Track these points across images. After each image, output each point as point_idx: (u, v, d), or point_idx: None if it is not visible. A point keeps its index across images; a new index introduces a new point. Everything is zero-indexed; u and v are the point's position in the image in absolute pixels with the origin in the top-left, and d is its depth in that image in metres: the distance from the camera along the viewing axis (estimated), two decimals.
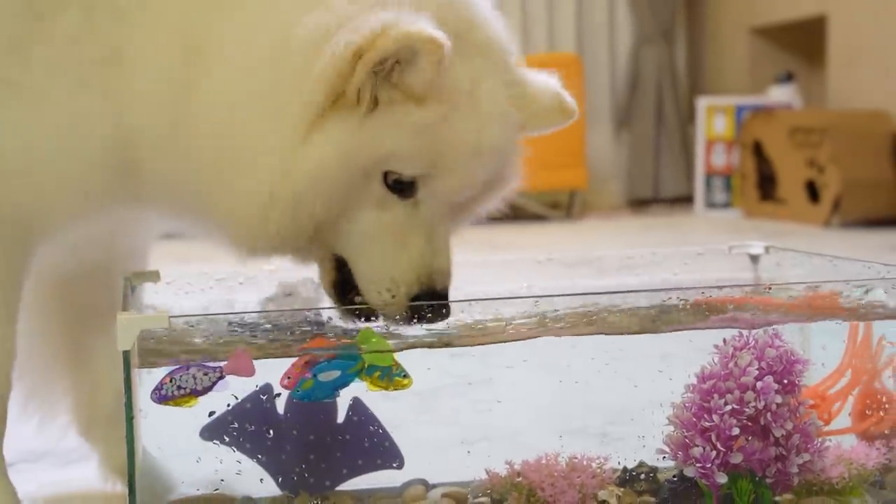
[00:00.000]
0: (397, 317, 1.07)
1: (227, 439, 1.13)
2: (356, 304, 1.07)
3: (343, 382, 1.06)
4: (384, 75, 1.00)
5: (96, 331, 1.29)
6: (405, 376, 1.04)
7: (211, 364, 1.00)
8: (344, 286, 1.10)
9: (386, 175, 1.04)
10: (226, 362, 1.01)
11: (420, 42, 0.97)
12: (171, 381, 1.00)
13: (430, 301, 1.04)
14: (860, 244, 4.07)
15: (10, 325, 1.10)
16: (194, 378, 1.00)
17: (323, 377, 1.05)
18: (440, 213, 1.07)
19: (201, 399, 1.02)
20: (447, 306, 1.05)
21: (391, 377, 1.04)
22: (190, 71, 1.02)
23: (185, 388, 1.00)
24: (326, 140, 0.99)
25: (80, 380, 1.33)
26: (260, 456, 1.16)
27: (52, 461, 1.42)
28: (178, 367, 1.00)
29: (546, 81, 1.17)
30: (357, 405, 1.15)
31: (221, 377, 1.00)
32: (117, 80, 1.03)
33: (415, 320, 1.06)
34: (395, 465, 1.19)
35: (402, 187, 1.04)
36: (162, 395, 1.00)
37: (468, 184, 1.07)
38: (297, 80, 0.99)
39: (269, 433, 1.15)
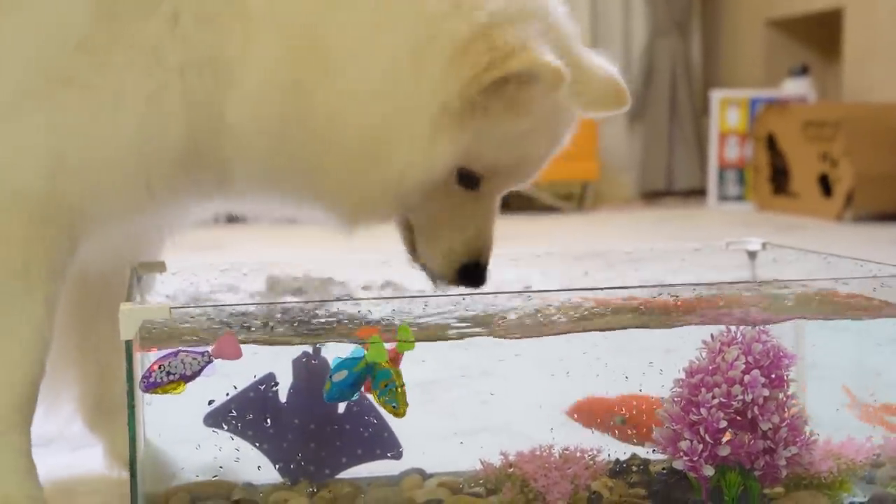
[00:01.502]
0: (447, 278, 1.21)
1: (226, 427, 1.16)
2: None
3: (354, 381, 1.08)
4: (497, 87, 1.09)
5: (107, 320, 1.32)
6: (397, 407, 1.06)
7: (198, 349, 1.03)
8: (416, 246, 1.24)
9: (460, 169, 1.15)
10: (212, 346, 1.03)
11: (545, 70, 1.07)
12: (159, 367, 1.02)
13: (477, 270, 1.20)
14: (872, 238, 4.07)
15: (50, 315, 1.14)
16: (183, 363, 1.02)
17: (336, 378, 1.08)
18: (494, 201, 1.21)
19: (198, 386, 1.04)
20: (485, 276, 1.21)
21: (389, 399, 1.07)
22: (300, 70, 1.08)
23: (174, 374, 1.02)
24: (449, 140, 1.10)
25: (87, 370, 1.36)
26: (261, 443, 1.19)
27: (61, 446, 1.45)
28: (166, 353, 1.02)
29: (604, 67, 1.23)
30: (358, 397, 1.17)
31: (210, 361, 1.03)
32: (200, 83, 1.08)
33: (459, 282, 1.20)
34: (393, 455, 1.21)
35: (469, 181, 1.17)
36: (151, 383, 1.02)
37: (526, 182, 1.22)
38: (437, 86, 1.08)
39: (271, 421, 1.18)
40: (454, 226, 1.19)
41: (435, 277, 1.22)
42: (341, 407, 1.19)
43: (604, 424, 1.22)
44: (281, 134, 1.10)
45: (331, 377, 1.08)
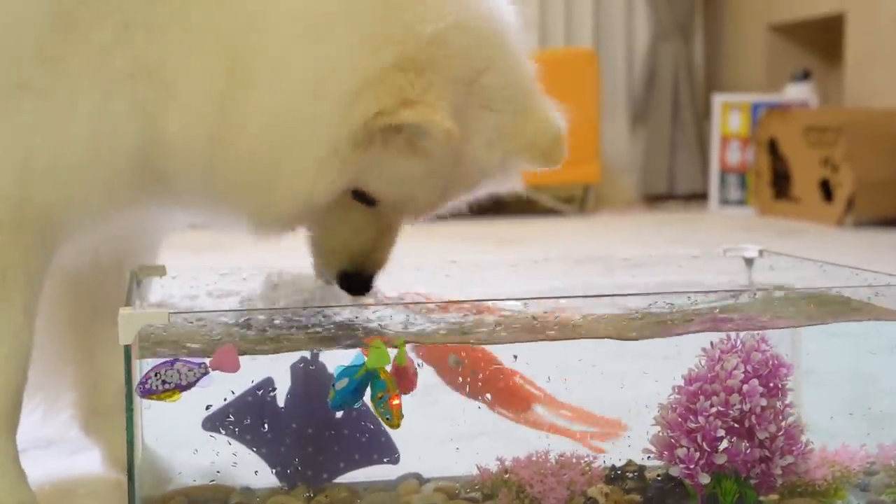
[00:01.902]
0: (330, 278, 1.23)
1: (224, 431, 1.17)
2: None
3: (356, 388, 1.08)
4: (390, 131, 1.10)
5: (102, 325, 1.33)
6: (390, 419, 1.07)
7: (195, 360, 1.03)
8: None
9: (354, 190, 1.16)
10: (210, 358, 1.04)
11: (433, 128, 1.08)
12: (155, 375, 1.02)
13: (357, 279, 1.22)
14: (873, 244, 4.07)
15: (29, 320, 1.15)
16: (179, 373, 1.03)
17: (338, 385, 1.08)
18: (395, 220, 1.22)
19: (196, 392, 1.04)
20: (368, 287, 1.24)
21: (384, 410, 1.08)
22: (227, 85, 1.10)
23: (169, 383, 1.02)
24: (336, 170, 1.11)
25: (83, 373, 1.37)
26: (259, 448, 1.19)
27: (60, 449, 1.46)
28: (163, 361, 1.03)
29: (551, 121, 1.19)
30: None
31: (206, 373, 1.03)
32: (148, 92, 1.10)
33: (340, 286, 1.23)
34: (390, 460, 1.22)
35: (364, 199, 1.18)
36: (146, 389, 1.03)
37: (426, 214, 1.22)
38: (332, 117, 1.09)
39: (268, 426, 1.19)
40: (347, 232, 1.20)
41: (322, 275, 1.24)
42: (339, 412, 1.20)
43: (438, 363, 1.21)
44: (209, 146, 1.11)
45: (334, 385, 1.08)
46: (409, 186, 1.16)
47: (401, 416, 1.07)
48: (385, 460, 1.21)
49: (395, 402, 1.06)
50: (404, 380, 1.08)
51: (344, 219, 1.18)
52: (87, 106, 1.09)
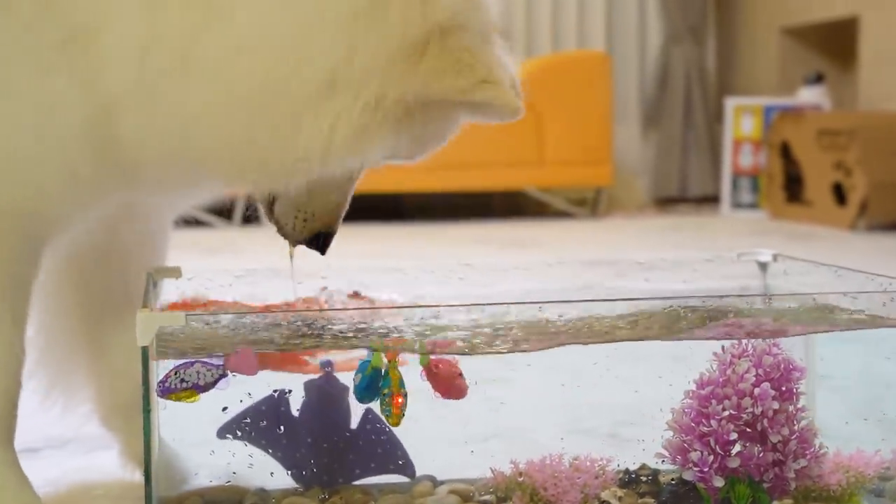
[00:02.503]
0: (299, 241, 1.18)
1: (240, 434, 1.17)
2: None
3: (367, 384, 1.09)
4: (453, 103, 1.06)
5: (114, 321, 1.33)
6: (388, 416, 1.08)
7: (214, 361, 1.04)
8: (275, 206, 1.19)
9: None
10: (228, 359, 1.04)
11: (506, 108, 1.06)
12: (175, 374, 1.03)
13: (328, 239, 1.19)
14: (886, 248, 4.06)
15: (21, 328, 1.12)
16: (197, 373, 1.03)
17: (355, 380, 1.10)
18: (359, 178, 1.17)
19: (212, 393, 1.05)
20: (329, 245, 1.19)
21: (385, 408, 1.09)
22: (200, 26, 1.00)
23: (187, 382, 1.03)
24: (379, 139, 1.04)
25: (100, 370, 1.37)
26: (273, 451, 1.20)
27: (76, 447, 1.47)
28: (183, 361, 1.04)
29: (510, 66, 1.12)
30: (370, 415, 1.18)
31: (224, 375, 1.04)
32: (82, 57, 1.02)
33: (309, 246, 1.18)
34: (405, 474, 1.22)
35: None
36: (166, 388, 1.03)
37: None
38: (380, 74, 1.01)
39: (283, 433, 1.19)
40: (320, 196, 1.14)
41: (287, 236, 1.18)
42: (354, 423, 1.20)
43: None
44: (164, 91, 1.02)
45: (353, 379, 1.11)
46: (419, 147, 1.09)
47: (400, 416, 1.08)
48: (400, 473, 1.21)
49: (399, 400, 1.07)
50: (443, 385, 1.09)
51: (325, 181, 1.09)
52: (19, 86, 1.03)
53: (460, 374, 1.11)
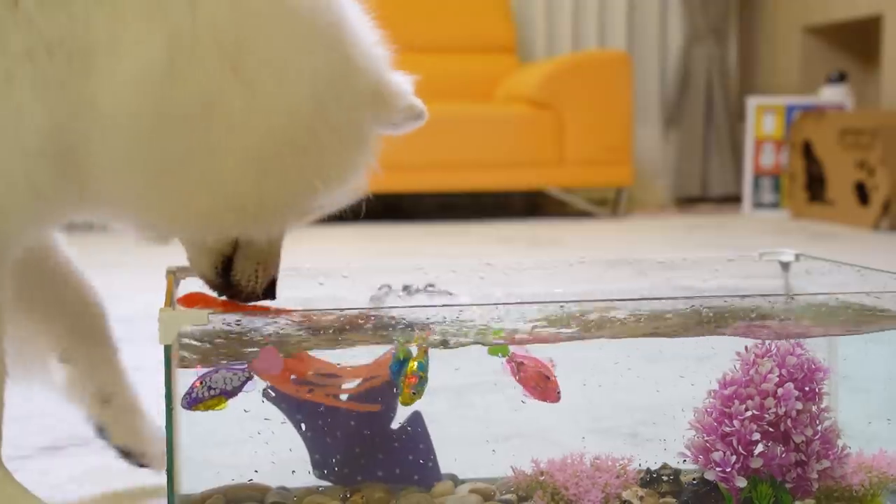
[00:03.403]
0: (258, 295, 1.20)
1: (284, 405, 1.16)
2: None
3: (396, 372, 1.11)
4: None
5: (51, 312, 1.33)
6: (400, 394, 1.10)
7: (238, 365, 1.04)
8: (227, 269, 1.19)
9: None
10: (252, 361, 1.05)
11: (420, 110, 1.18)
12: (201, 383, 1.03)
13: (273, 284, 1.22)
14: None
15: None
16: (223, 379, 1.03)
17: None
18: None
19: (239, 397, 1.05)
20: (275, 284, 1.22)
21: (398, 387, 1.10)
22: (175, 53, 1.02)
23: (215, 389, 1.03)
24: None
25: (50, 314, 1.34)
26: (304, 428, 1.19)
27: (99, 445, 1.47)
28: (207, 370, 1.04)
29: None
30: (415, 419, 1.19)
31: (249, 377, 1.04)
32: (53, 68, 1.01)
33: (264, 297, 1.20)
34: (430, 482, 1.22)
35: None
36: (193, 399, 1.03)
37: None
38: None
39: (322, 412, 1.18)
40: (276, 242, 1.19)
41: (245, 294, 1.19)
42: (395, 423, 1.20)
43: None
44: (155, 124, 1.02)
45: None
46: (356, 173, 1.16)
47: (411, 395, 1.10)
48: (424, 483, 1.21)
49: (412, 380, 1.09)
50: (533, 386, 1.10)
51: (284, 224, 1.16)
52: None
53: (548, 377, 1.12)
